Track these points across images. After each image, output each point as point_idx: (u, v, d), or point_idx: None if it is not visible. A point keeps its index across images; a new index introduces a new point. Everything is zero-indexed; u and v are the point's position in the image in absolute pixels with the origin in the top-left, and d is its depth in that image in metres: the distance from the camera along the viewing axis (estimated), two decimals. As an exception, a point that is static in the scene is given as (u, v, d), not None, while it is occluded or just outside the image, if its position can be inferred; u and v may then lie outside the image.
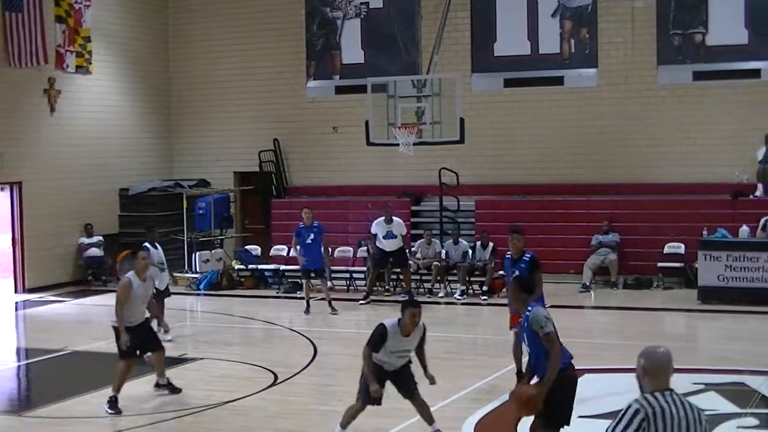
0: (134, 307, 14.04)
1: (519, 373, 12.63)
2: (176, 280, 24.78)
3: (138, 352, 14.17)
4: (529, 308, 9.63)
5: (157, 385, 14.55)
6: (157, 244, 18.94)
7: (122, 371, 13.81)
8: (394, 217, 22.76)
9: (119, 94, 28.83)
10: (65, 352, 17.88)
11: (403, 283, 23.58)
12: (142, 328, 14.24)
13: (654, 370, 6.12)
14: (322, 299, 21.77)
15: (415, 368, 11.45)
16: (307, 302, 21.45)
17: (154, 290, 15.64)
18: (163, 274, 18.79)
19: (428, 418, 11.44)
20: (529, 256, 14.48)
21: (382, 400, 11.35)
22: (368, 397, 11.22)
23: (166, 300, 18.86)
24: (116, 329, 13.91)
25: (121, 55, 28.84)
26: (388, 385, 11.37)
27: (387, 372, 11.33)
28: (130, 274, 14.16)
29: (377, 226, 22.74)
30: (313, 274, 21.57)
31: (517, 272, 13.93)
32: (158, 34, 30.27)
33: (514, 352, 13.23)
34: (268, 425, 12.62)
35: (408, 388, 11.36)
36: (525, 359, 10.40)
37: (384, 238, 22.55)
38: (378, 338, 11.15)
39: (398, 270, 23.91)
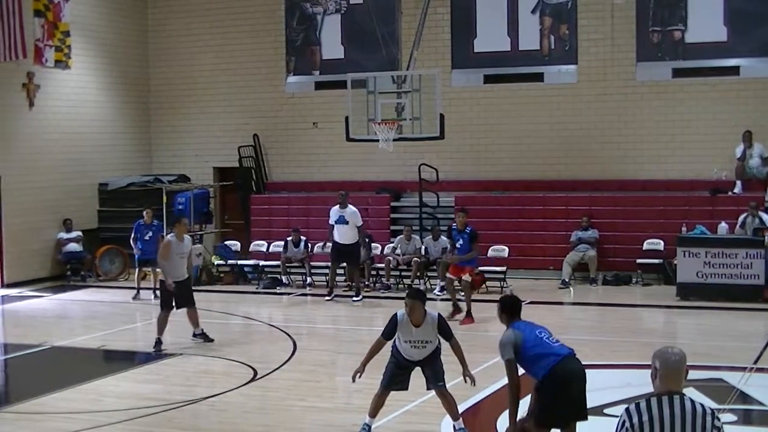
0: (175, 264, 17.35)
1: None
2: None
3: (175, 305, 17.47)
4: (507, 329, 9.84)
5: (194, 335, 17.74)
6: None
7: (162, 319, 17.35)
8: (350, 205, 22.79)
9: (98, 88, 28.74)
10: (44, 347, 17.81)
11: (382, 279, 23.66)
12: (182, 284, 17.46)
13: (664, 373, 6.05)
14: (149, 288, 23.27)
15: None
16: (138, 290, 23.34)
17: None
18: None
19: (453, 414, 11.41)
20: (470, 228, 19.73)
21: (400, 384, 11.39)
22: (389, 382, 11.32)
23: None
24: (161, 282, 17.56)
25: (100, 49, 28.75)
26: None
27: (411, 362, 11.31)
28: (171, 236, 17.66)
29: (332, 213, 22.82)
30: (147, 265, 23.30)
31: (461, 240, 19.60)
32: (137, 28, 30.19)
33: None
34: (247, 421, 12.60)
35: (434, 381, 11.32)
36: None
37: (336, 222, 22.59)
38: (388, 326, 11.21)
39: (380, 266, 24.04)
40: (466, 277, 19.69)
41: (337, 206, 22.79)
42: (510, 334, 9.67)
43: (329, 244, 23.30)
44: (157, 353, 16.95)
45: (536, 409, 9.60)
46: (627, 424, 5.92)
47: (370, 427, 11.43)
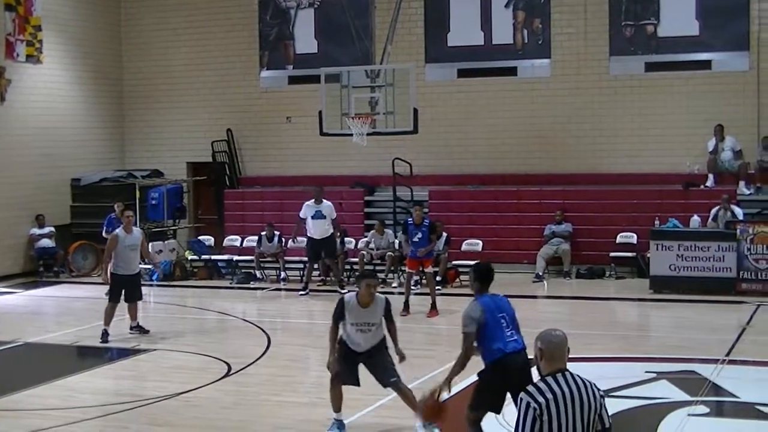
0: (125, 258, 17.49)
1: None
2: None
3: (123, 298, 17.64)
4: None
5: (131, 328, 17.91)
6: None
7: (109, 311, 17.45)
8: (324, 200, 22.74)
9: (70, 83, 28.60)
10: (17, 343, 17.72)
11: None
12: (133, 278, 17.75)
13: (549, 353, 6.35)
14: None
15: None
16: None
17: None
18: None
19: (413, 406, 11.36)
20: (427, 221, 19.93)
21: (350, 377, 11.27)
22: (337, 374, 11.23)
23: None
24: (112, 275, 17.63)
25: (73, 44, 28.60)
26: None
27: (358, 354, 11.26)
28: (119, 229, 17.73)
29: (307, 208, 22.71)
30: None
31: (420, 234, 19.46)
32: (110, 23, 30.04)
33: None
34: (221, 416, 12.57)
35: (385, 377, 11.26)
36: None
37: (312, 218, 22.54)
38: (337, 310, 11.17)
39: (354, 260, 24.09)
40: (429, 270, 19.81)
41: (312, 201, 22.71)
42: (477, 309, 9.74)
43: (299, 239, 23.28)
44: (103, 342, 17.20)
45: (473, 392, 9.79)
46: (533, 404, 6.13)
47: (340, 421, 11.40)
